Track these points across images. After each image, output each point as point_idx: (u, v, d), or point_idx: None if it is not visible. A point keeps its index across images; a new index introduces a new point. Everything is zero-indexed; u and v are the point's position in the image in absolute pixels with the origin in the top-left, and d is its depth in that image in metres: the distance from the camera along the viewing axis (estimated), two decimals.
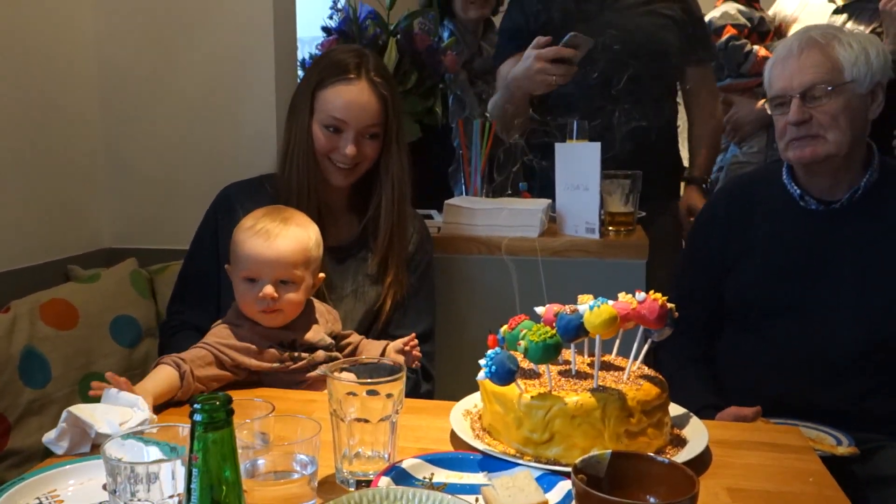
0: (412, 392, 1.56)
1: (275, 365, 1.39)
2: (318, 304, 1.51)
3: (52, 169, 1.98)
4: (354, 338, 1.53)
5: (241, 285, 1.40)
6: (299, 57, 2.32)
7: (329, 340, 1.45)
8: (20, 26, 1.86)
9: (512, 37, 2.34)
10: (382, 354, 1.45)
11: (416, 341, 1.44)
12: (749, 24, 3.09)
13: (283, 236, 1.39)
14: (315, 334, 1.43)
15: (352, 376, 1.06)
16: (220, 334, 1.38)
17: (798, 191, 1.63)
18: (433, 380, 1.67)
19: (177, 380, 1.28)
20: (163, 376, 1.28)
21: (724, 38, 3.04)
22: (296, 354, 1.40)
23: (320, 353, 1.42)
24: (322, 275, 1.48)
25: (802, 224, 1.63)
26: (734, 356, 1.69)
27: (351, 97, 1.56)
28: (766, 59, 2.58)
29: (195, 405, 0.57)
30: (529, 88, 2.13)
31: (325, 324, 1.48)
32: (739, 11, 3.06)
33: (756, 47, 3.04)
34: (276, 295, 1.37)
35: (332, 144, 1.58)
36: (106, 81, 2.14)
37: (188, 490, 0.58)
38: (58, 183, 2.00)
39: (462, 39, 2.68)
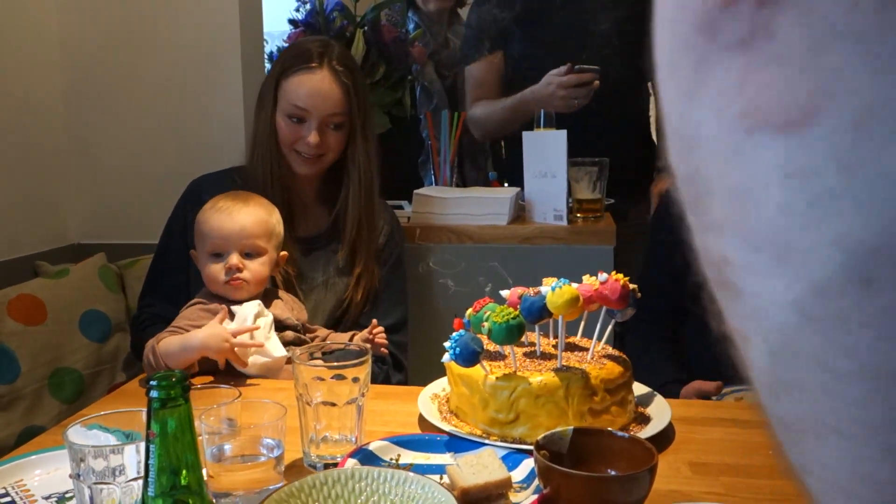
0: (384, 383, 1.57)
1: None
2: (283, 293, 1.52)
3: (19, 164, 1.97)
4: (322, 332, 1.54)
5: (207, 261, 1.42)
6: (267, 50, 2.32)
7: (295, 321, 1.46)
8: None
9: (478, 38, 2.36)
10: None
11: (380, 329, 1.46)
12: None
13: (245, 212, 1.42)
14: (281, 311, 1.45)
15: (318, 361, 1.07)
16: (189, 316, 1.40)
17: None
18: (405, 370, 1.69)
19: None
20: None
21: None
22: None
23: (289, 333, 1.44)
24: (284, 252, 1.50)
25: None
26: (701, 338, 1.71)
27: (312, 85, 1.57)
28: None
29: (151, 382, 0.58)
30: (551, 108, 2.16)
31: (291, 311, 1.49)
32: None
33: None
34: (241, 265, 1.39)
35: (295, 135, 1.59)
36: (71, 75, 2.12)
37: (146, 467, 0.59)
38: (25, 178, 1.99)
39: (428, 31, 2.69)
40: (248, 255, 1.41)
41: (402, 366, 1.68)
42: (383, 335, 1.46)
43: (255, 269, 1.41)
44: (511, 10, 2.28)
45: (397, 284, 1.74)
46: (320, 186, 1.71)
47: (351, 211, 1.64)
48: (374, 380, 1.53)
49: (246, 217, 1.41)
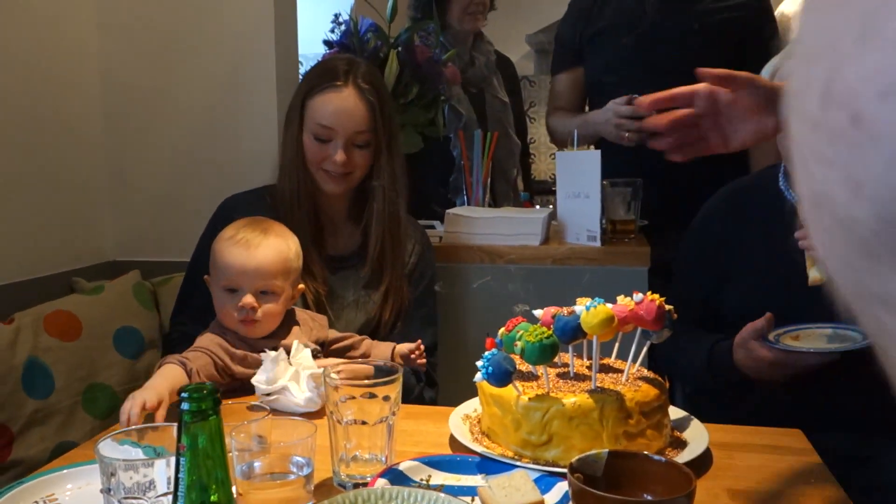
0: (417, 399, 1.56)
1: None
2: (301, 312, 1.51)
3: (56, 183, 2.00)
4: (355, 338, 1.53)
5: (221, 296, 1.40)
6: (302, 72, 2.34)
7: (313, 346, 1.44)
8: (25, 43, 1.89)
9: (565, 48, 2.40)
10: (392, 356, 1.47)
11: (422, 349, 1.45)
12: None
13: (264, 246, 1.39)
14: (297, 339, 1.42)
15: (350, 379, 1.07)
16: (212, 341, 1.39)
17: (795, 196, 1.61)
18: (437, 386, 1.68)
19: (185, 378, 1.29)
20: (173, 374, 1.28)
21: None
22: None
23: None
24: (301, 286, 1.48)
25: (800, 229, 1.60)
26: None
27: (338, 104, 1.57)
28: None
29: (182, 394, 0.58)
30: (603, 134, 2.17)
31: (309, 331, 1.47)
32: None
33: None
34: (256, 304, 1.37)
35: (322, 154, 1.58)
36: (109, 96, 2.16)
37: (176, 480, 0.58)
38: (62, 196, 2.02)
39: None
40: (264, 292, 1.39)
41: (434, 382, 1.67)
42: (424, 357, 1.45)
43: (270, 308, 1.39)
44: (593, 26, 2.29)
45: (429, 304, 1.73)
46: (350, 205, 1.70)
47: (375, 228, 1.64)
48: (409, 393, 1.53)
49: (263, 255, 1.38)
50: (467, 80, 2.68)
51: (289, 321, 1.46)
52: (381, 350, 1.51)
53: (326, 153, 1.58)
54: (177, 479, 0.58)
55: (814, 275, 1.38)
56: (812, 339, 1.46)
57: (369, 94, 1.58)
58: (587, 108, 2.43)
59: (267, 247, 1.39)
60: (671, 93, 1.11)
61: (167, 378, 1.26)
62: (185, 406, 0.57)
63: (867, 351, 1.36)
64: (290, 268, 1.42)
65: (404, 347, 1.46)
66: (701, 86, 1.10)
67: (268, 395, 1.26)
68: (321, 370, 1.14)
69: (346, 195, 1.67)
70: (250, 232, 1.41)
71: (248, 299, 1.36)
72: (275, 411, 1.26)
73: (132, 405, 1.16)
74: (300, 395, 1.24)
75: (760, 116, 1.06)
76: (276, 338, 1.42)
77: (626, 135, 2.08)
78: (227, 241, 1.40)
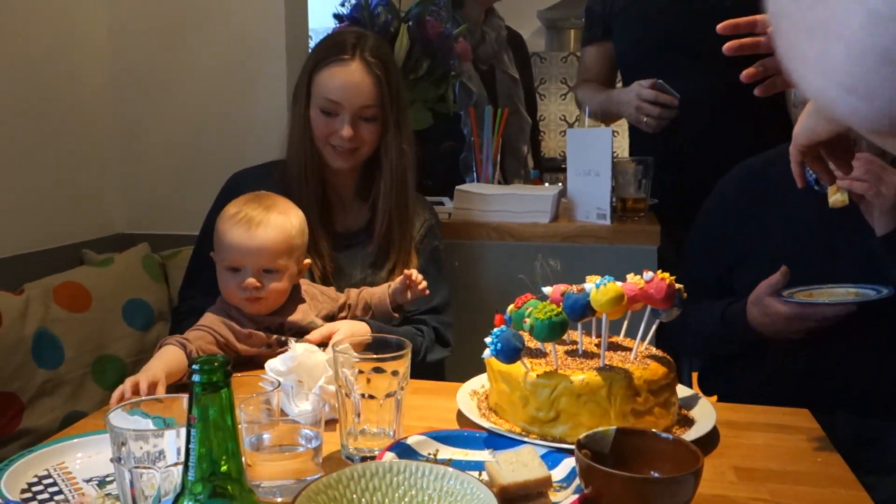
0: (426, 355, 1.57)
1: (262, 349, 1.38)
2: (309, 286, 1.50)
3: (66, 156, 2.00)
4: (352, 295, 1.53)
5: (225, 274, 1.39)
6: (312, 45, 2.33)
7: (320, 322, 1.43)
8: (33, 12, 1.88)
9: (594, 21, 2.37)
10: (390, 295, 1.50)
11: (412, 275, 1.46)
12: None
13: (265, 225, 1.38)
14: (303, 316, 1.42)
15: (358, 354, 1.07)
16: (215, 320, 1.39)
17: (814, 175, 1.59)
18: (450, 346, 1.66)
19: (184, 360, 1.29)
20: (171, 356, 1.29)
21: None
22: (283, 339, 1.39)
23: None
24: (307, 261, 1.48)
25: (818, 210, 1.58)
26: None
27: (345, 78, 1.55)
28: None
29: (194, 367, 0.58)
30: (624, 115, 2.14)
31: (316, 305, 1.47)
32: None
33: None
34: (259, 284, 1.36)
35: (329, 129, 1.57)
36: (119, 71, 2.15)
37: (187, 451, 0.58)
38: (72, 169, 2.02)
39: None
40: (268, 271, 1.38)
41: (447, 342, 1.65)
42: (420, 280, 1.46)
43: (275, 286, 1.38)
44: (622, 0, 2.24)
45: (434, 270, 1.70)
46: (358, 182, 1.69)
47: (382, 205, 1.62)
48: (416, 355, 1.53)
49: (266, 234, 1.37)
50: (478, 57, 2.66)
51: (295, 297, 1.45)
52: (378, 296, 1.52)
53: (333, 128, 1.56)
54: (188, 449, 0.58)
55: (836, 198, 1.37)
56: (825, 297, 1.45)
57: (376, 68, 1.57)
58: (619, 84, 2.39)
59: (269, 225, 1.38)
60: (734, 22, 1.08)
61: (164, 361, 1.26)
62: (196, 378, 0.57)
63: (885, 303, 1.35)
64: (293, 245, 1.41)
65: (397, 283, 1.46)
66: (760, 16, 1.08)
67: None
68: (333, 388, 1.10)
69: (354, 172, 1.66)
70: (252, 209, 1.39)
71: (251, 281, 1.36)
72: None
73: (124, 390, 1.16)
74: (298, 405, 1.10)
75: None
76: (282, 314, 1.42)
77: (646, 120, 2.05)
78: (229, 219, 1.39)
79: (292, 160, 1.62)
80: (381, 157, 1.62)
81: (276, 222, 1.39)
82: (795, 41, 0.34)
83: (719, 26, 1.09)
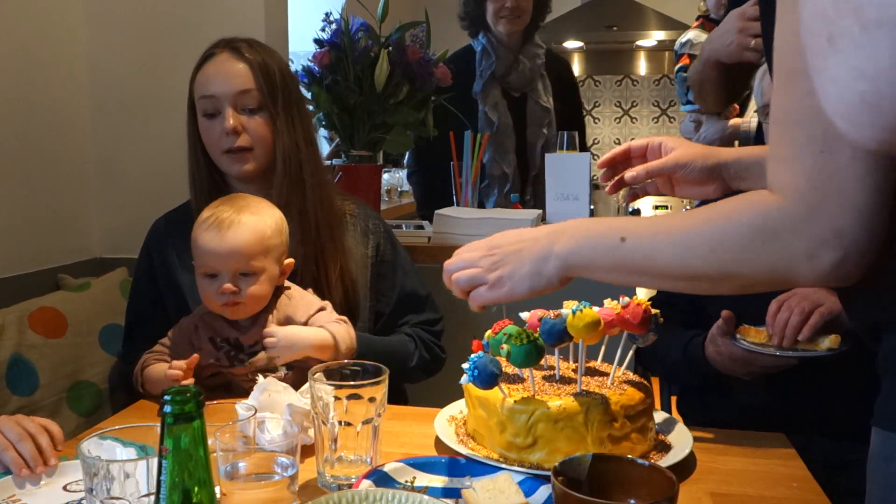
0: (417, 366, 1.56)
1: (211, 362, 1.38)
2: (293, 292, 1.44)
3: (43, 178, 1.98)
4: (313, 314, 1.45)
5: (202, 281, 1.36)
6: (292, 69, 2.33)
7: (283, 375, 1.36)
8: (11, 35, 1.87)
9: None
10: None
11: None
12: None
13: (237, 226, 1.33)
14: (260, 335, 1.36)
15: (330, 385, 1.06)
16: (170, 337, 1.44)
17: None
18: (439, 357, 1.63)
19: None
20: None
21: (677, 67, 3.18)
22: (232, 353, 1.38)
23: (262, 357, 1.36)
24: (290, 260, 1.42)
25: None
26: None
27: (215, 68, 1.50)
28: None
29: (165, 397, 0.58)
30: (722, 56, 1.91)
31: (293, 308, 1.41)
32: (704, 40, 3.25)
33: None
34: (235, 289, 1.33)
35: (215, 130, 1.49)
36: (97, 91, 2.15)
37: (158, 483, 0.58)
38: (49, 192, 2.01)
39: (495, 53, 2.68)
40: (244, 274, 1.34)
41: (437, 356, 1.61)
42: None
43: (253, 290, 1.34)
44: None
45: (408, 280, 1.64)
46: (268, 189, 1.53)
47: (280, 202, 1.48)
48: (409, 360, 1.53)
49: (237, 236, 1.32)
50: (508, 84, 2.66)
51: (268, 309, 1.40)
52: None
53: (219, 128, 1.48)
54: (159, 481, 0.58)
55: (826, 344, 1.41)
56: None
57: (247, 52, 1.51)
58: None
59: (240, 226, 1.33)
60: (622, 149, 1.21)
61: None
62: (167, 409, 0.57)
63: (826, 360, 1.38)
64: (268, 245, 1.35)
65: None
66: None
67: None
68: (306, 405, 1.10)
69: (260, 178, 1.54)
70: (224, 212, 1.35)
71: (227, 286, 1.32)
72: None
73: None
74: (268, 433, 1.07)
75: (703, 187, 1.13)
76: (240, 329, 1.39)
77: (753, 43, 1.80)
78: (200, 224, 1.35)
79: (197, 187, 1.55)
80: (275, 154, 1.52)
81: (247, 223, 1.34)
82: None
83: (598, 163, 1.22)
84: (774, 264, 0.73)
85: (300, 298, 1.43)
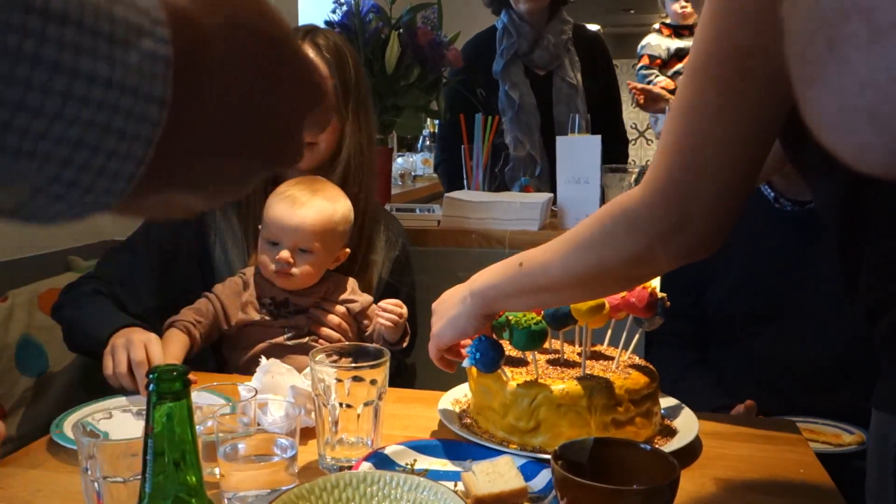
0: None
1: (255, 318, 1.44)
2: (351, 281, 1.52)
3: None
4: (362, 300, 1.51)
5: (264, 246, 1.43)
6: None
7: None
8: None
9: None
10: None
11: (388, 308, 1.44)
12: (664, 56, 3.64)
13: (308, 206, 1.40)
14: (311, 302, 1.46)
15: (336, 362, 1.06)
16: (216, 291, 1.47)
17: (772, 193, 1.61)
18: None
19: (187, 343, 1.38)
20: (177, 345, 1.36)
21: (637, 67, 3.62)
22: (275, 311, 1.45)
23: (301, 319, 1.45)
24: (347, 250, 1.49)
25: (778, 227, 1.61)
26: (721, 369, 1.67)
27: None
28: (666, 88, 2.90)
29: (151, 375, 0.57)
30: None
31: (339, 293, 1.50)
32: (661, 43, 3.66)
33: (660, 78, 3.54)
34: (291, 260, 1.40)
35: None
36: None
37: (144, 462, 0.57)
38: None
39: (516, 31, 2.62)
40: (303, 250, 1.41)
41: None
42: (387, 314, 1.43)
43: (305, 269, 1.41)
44: None
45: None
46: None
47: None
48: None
49: (306, 213, 1.39)
50: (532, 62, 2.60)
51: (326, 281, 1.48)
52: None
53: None
54: (145, 461, 0.57)
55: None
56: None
57: (326, 51, 1.50)
58: None
59: (311, 206, 1.40)
60: None
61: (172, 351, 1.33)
62: (153, 387, 0.56)
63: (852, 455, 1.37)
64: (331, 230, 1.42)
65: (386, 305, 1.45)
66: None
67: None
68: (307, 387, 1.09)
69: (314, 170, 1.54)
70: (299, 191, 1.42)
71: (284, 254, 1.39)
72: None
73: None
74: (270, 415, 1.05)
75: None
76: (310, 294, 1.46)
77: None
78: (276, 195, 1.42)
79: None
80: (339, 152, 1.53)
81: (318, 205, 1.41)
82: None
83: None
84: (633, 249, 0.82)
85: (352, 289, 1.52)
